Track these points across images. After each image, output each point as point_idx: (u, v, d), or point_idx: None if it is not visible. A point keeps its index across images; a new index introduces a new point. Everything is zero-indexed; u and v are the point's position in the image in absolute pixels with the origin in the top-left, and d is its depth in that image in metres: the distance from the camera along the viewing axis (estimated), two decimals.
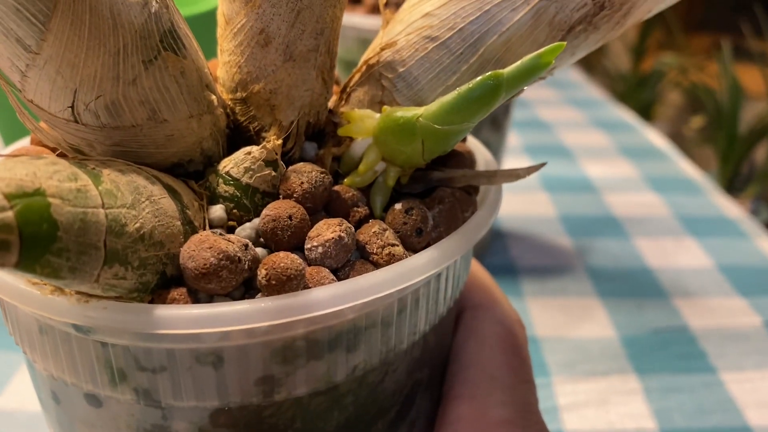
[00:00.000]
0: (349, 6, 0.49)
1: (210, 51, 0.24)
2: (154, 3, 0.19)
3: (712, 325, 0.48)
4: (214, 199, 0.22)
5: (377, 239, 0.21)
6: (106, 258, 0.16)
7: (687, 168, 0.77)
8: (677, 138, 1.75)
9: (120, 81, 0.19)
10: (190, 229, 0.20)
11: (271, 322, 0.18)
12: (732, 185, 1.69)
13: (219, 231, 0.21)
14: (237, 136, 0.24)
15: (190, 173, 0.23)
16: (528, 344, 0.29)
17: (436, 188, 0.24)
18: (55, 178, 0.15)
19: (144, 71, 0.20)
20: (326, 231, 0.20)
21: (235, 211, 0.21)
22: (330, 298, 0.19)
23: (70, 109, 0.20)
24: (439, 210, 0.23)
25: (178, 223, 0.19)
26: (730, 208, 0.67)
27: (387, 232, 0.21)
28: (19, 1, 0.17)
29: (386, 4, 0.25)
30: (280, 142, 0.21)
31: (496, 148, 0.54)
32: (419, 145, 0.22)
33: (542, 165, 0.26)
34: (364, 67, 0.24)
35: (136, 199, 0.18)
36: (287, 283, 0.18)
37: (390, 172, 0.23)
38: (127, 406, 0.20)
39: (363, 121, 0.23)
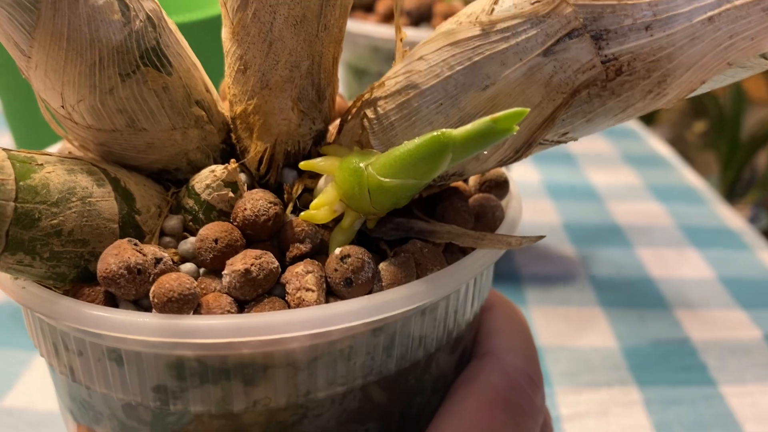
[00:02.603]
0: (362, 14, 0.50)
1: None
2: (137, 22, 0.21)
3: (713, 338, 0.48)
4: (179, 209, 0.23)
5: (296, 280, 0.20)
6: (7, 246, 0.19)
7: (690, 177, 0.76)
8: (679, 143, 1.73)
9: (97, 89, 0.21)
10: (134, 232, 0.21)
11: (144, 337, 0.19)
12: (733, 191, 1.68)
13: (168, 239, 0.22)
14: (235, 153, 0.25)
15: (181, 180, 0.24)
16: (537, 409, 0.26)
17: (411, 239, 0.23)
18: None
19: (121, 83, 0.21)
20: (238, 261, 0.20)
21: (191, 223, 0.22)
22: (207, 329, 0.19)
23: (62, 108, 0.22)
24: (389, 263, 0.21)
25: (115, 225, 0.21)
26: (732, 219, 0.66)
27: (309, 275, 0.20)
28: (9, 11, 0.20)
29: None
30: (236, 165, 0.22)
31: None
32: (366, 194, 0.21)
33: (540, 238, 0.23)
34: (358, 103, 0.23)
35: (65, 198, 0.20)
36: (168, 304, 0.19)
37: (348, 214, 0.22)
38: (65, 378, 0.23)
39: (329, 158, 0.22)
